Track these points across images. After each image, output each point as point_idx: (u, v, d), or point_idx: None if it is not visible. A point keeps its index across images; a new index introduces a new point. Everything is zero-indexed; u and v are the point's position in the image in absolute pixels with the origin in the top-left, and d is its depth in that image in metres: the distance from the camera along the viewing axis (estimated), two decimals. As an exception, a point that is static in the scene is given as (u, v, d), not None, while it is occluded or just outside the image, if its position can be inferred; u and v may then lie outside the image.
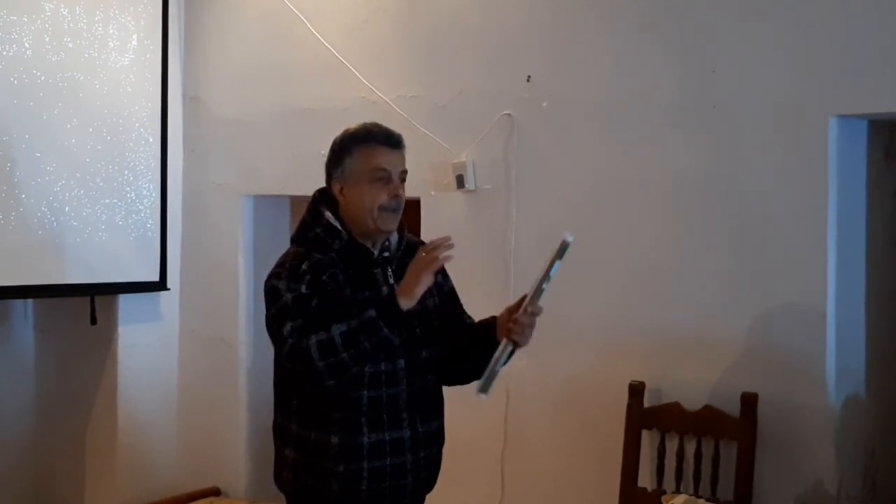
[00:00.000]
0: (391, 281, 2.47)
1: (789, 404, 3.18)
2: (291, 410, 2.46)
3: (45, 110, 3.99)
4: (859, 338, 3.36)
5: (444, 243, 2.35)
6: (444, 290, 2.64)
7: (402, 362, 2.43)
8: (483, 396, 2.34)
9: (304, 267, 2.38)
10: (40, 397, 4.69)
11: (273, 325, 2.38)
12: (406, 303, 2.31)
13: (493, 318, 2.55)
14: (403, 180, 2.50)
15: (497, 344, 2.41)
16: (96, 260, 4.19)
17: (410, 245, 2.57)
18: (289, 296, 2.35)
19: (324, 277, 2.37)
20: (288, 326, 2.33)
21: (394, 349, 2.36)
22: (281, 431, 2.50)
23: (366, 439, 2.38)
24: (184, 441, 4.69)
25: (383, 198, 2.44)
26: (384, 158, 2.45)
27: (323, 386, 2.31)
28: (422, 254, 2.36)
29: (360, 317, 2.27)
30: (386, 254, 2.50)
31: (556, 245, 2.33)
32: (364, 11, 4.15)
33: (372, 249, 2.49)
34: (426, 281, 2.33)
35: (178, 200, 4.65)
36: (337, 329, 2.27)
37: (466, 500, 3.82)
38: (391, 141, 2.49)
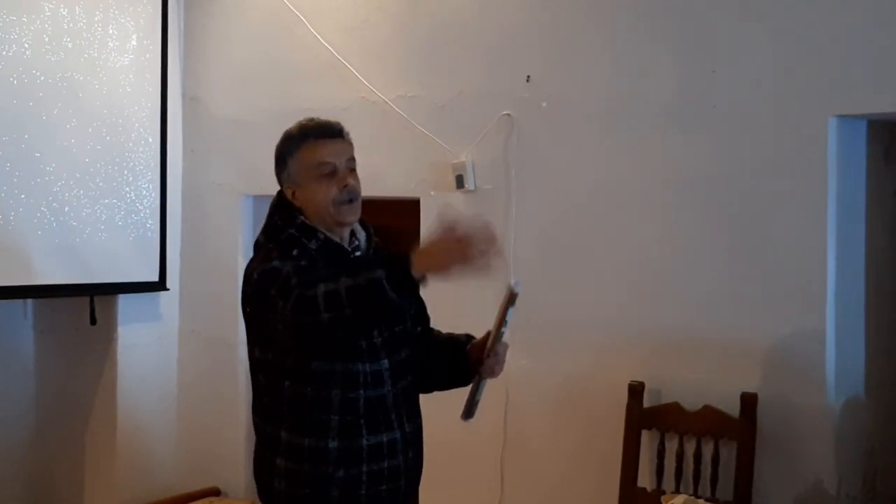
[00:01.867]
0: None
1: (789, 404, 3.18)
2: (281, 418, 2.37)
3: (44, 110, 3.99)
4: (859, 338, 3.36)
5: (489, 238, 2.08)
6: None
7: (385, 362, 2.38)
8: (469, 420, 2.46)
9: (295, 253, 2.32)
10: (40, 397, 4.69)
11: (278, 298, 2.22)
12: (418, 271, 2.08)
13: (466, 337, 2.57)
14: (353, 169, 2.41)
15: (468, 367, 2.50)
16: (96, 260, 4.19)
17: (378, 248, 2.52)
18: (289, 267, 2.25)
19: (319, 265, 2.31)
20: (294, 280, 2.20)
21: (399, 314, 2.25)
22: (269, 440, 2.39)
23: (365, 441, 2.33)
24: (184, 441, 4.69)
25: (333, 191, 2.35)
26: (325, 151, 2.37)
27: (329, 342, 2.20)
28: (455, 234, 2.09)
29: (369, 275, 2.11)
30: (358, 252, 2.44)
31: (506, 294, 2.33)
32: (364, 11, 4.15)
33: (347, 247, 2.42)
34: (449, 269, 2.09)
35: (178, 200, 4.66)
36: (344, 282, 2.12)
37: (466, 501, 3.82)
38: (329, 132, 2.40)
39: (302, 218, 2.39)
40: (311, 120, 2.45)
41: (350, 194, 2.38)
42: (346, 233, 2.44)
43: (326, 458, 2.32)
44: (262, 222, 4.58)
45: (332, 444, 2.32)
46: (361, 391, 2.33)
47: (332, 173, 2.37)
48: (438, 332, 2.66)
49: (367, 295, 2.11)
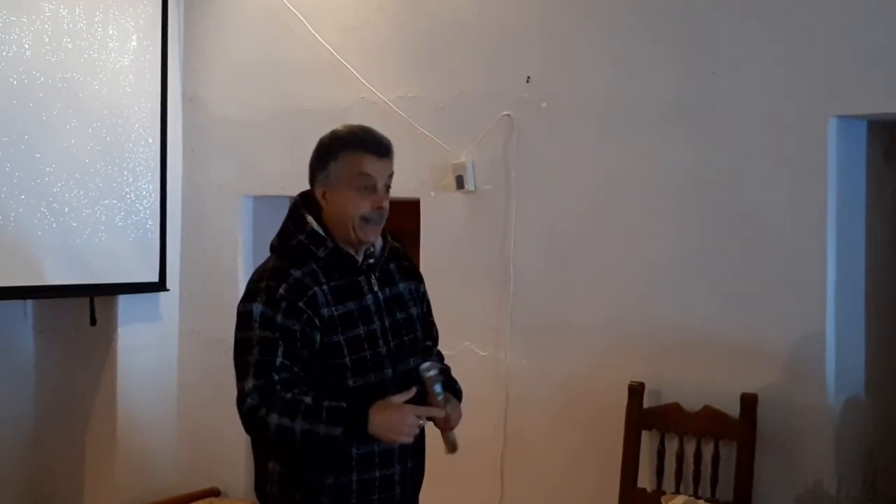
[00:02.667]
0: (375, 288, 2.40)
1: (789, 404, 3.18)
2: None
3: (44, 111, 3.99)
4: (859, 338, 3.36)
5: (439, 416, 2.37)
6: (420, 293, 2.58)
7: (389, 372, 2.37)
8: (454, 452, 2.50)
9: (281, 291, 2.28)
10: (40, 398, 4.69)
11: (235, 354, 2.33)
12: (372, 432, 2.26)
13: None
14: (389, 186, 2.40)
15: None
16: (96, 260, 4.19)
17: (392, 249, 2.51)
18: (257, 332, 2.27)
19: (300, 304, 2.28)
20: (250, 383, 2.26)
21: (349, 463, 2.33)
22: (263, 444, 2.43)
23: (354, 451, 2.32)
24: (184, 441, 4.69)
25: (366, 208, 2.34)
26: (371, 165, 2.35)
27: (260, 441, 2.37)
28: (410, 419, 2.30)
29: (328, 430, 2.22)
30: (371, 260, 2.43)
31: (427, 385, 2.40)
32: (363, 11, 4.15)
33: (356, 256, 2.40)
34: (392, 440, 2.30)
35: (178, 201, 4.66)
36: (300, 426, 2.21)
37: (466, 501, 3.82)
38: (379, 149, 2.38)
39: (312, 225, 2.38)
40: (365, 130, 2.42)
41: (380, 215, 2.38)
42: (363, 246, 2.42)
43: (315, 466, 2.33)
44: (261, 222, 4.68)
45: None
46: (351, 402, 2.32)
47: (371, 189, 2.36)
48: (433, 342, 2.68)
49: (321, 446, 2.25)
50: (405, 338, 2.43)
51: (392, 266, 2.50)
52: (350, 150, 2.37)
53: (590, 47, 3.60)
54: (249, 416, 2.27)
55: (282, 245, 2.40)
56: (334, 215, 2.38)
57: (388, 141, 2.42)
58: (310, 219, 2.39)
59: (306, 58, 4.28)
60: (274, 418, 2.22)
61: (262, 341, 2.27)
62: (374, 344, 2.34)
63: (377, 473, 2.36)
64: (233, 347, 2.35)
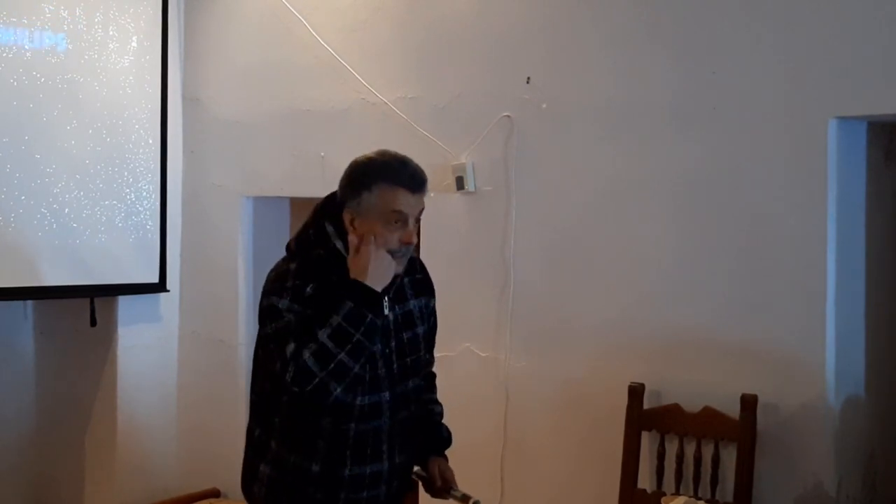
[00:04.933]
0: (385, 311, 2.35)
1: (789, 405, 3.18)
2: (273, 427, 2.37)
3: (44, 112, 4.00)
4: (859, 338, 3.36)
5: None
6: (429, 309, 2.56)
7: (387, 395, 2.36)
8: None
9: (308, 290, 2.27)
10: (40, 399, 4.69)
11: (272, 343, 2.28)
12: (373, 284, 2.25)
13: (436, 438, 2.66)
14: (419, 220, 2.36)
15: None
16: (96, 261, 4.20)
17: (410, 261, 2.47)
18: (292, 316, 2.24)
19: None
20: (291, 347, 2.20)
21: (379, 330, 2.28)
22: (258, 444, 2.41)
23: (347, 472, 2.33)
24: (183, 442, 4.69)
25: (394, 243, 2.30)
26: (405, 201, 2.30)
27: (332, 399, 2.21)
28: (384, 254, 2.29)
29: (340, 312, 2.19)
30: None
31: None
32: (363, 13, 4.15)
33: None
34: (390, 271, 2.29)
35: (178, 202, 4.66)
36: (323, 333, 2.18)
37: (466, 502, 3.82)
38: (414, 184, 2.32)
39: (334, 242, 2.34)
40: (402, 163, 2.36)
41: (407, 249, 2.35)
42: None
43: (307, 478, 2.34)
44: (261, 224, 4.67)
45: (315, 468, 2.33)
46: (353, 424, 2.32)
47: (402, 223, 2.32)
48: (430, 395, 2.68)
49: (351, 331, 2.20)
50: (408, 359, 2.42)
51: (406, 280, 2.47)
52: (385, 183, 2.31)
53: (590, 47, 3.60)
54: (302, 375, 2.18)
55: (301, 253, 2.36)
56: None
57: (424, 175, 2.37)
58: (331, 231, 2.35)
59: (306, 59, 4.28)
60: (306, 353, 2.18)
61: (299, 319, 2.24)
62: (374, 366, 2.33)
63: (364, 494, 2.37)
64: (266, 340, 2.31)
